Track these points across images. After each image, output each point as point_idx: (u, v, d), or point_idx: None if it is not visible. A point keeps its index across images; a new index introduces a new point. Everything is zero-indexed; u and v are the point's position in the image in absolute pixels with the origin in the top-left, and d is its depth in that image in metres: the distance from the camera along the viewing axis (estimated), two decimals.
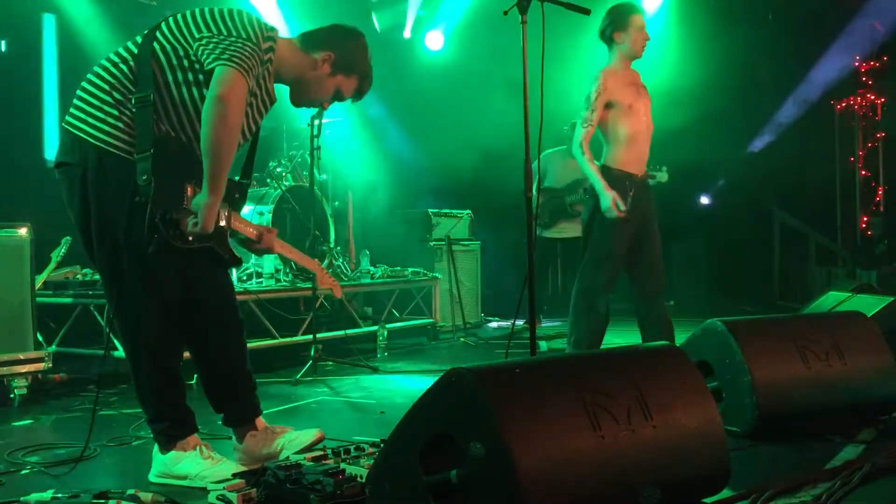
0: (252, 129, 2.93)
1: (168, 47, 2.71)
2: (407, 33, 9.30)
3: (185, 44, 2.70)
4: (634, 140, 4.45)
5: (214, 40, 2.66)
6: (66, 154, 2.76)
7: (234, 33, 2.68)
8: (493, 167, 8.00)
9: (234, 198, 2.98)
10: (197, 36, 2.69)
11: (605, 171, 4.38)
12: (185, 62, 2.70)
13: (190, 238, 2.72)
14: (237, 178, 3.07)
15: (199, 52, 2.67)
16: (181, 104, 2.72)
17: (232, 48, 2.64)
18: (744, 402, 3.18)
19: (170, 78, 2.70)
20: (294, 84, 3.00)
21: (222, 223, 2.85)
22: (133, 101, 2.67)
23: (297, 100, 3.04)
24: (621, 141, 4.43)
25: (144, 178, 2.61)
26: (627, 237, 4.39)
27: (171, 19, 2.77)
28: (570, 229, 7.53)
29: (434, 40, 9.44)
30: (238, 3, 5.96)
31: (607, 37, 4.53)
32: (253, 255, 5.78)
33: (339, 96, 3.04)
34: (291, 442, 2.93)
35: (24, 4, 6.52)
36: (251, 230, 3.04)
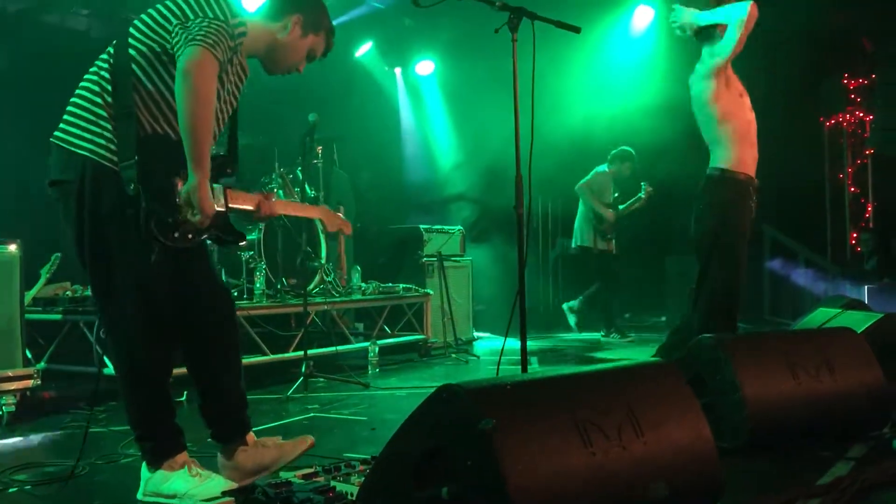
0: (231, 104, 2.93)
1: (144, 48, 2.70)
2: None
3: (160, 40, 2.70)
4: (748, 137, 4.25)
5: (179, 29, 2.65)
6: (60, 171, 2.74)
7: (201, 14, 2.68)
8: (485, 183, 8.05)
9: (227, 173, 2.97)
10: (169, 28, 2.69)
11: (726, 175, 4.19)
12: (164, 57, 2.69)
13: (190, 236, 2.70)
14: (222, 152, 3.06)
15: (173, 45, 2.66)
16: (162, 99, 2.71)
17: (195, 29, 2.62)
18: (735, 418, 3.18)
19: (152, 75, 2.70)
20: (267, 55, 2.99)
21: (220, 207, 2.83)
22: (115, 112, 2.67)
23: (273, 68, 3.04)
24: (739, 138, 4.22)
25: (132, 186, 2.60)
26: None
27: (138, 21, 2.76)
28: (614, 244, 8.10)
29: (424, 68, 9.52)
30: None
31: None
32: (244, 271, 5.82)
33: (312, 56, 3.05)
34: (284, 454, 2.91)
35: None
36: (249, 202, 3.02)
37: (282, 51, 2.98)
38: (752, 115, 4.32)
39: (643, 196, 7.98)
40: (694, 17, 4.29)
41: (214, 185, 2.82)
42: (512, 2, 3.42)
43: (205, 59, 2.59)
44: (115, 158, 2.66)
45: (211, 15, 2.68)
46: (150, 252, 2.63)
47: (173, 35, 2.66)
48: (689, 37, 4.36)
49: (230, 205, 2.93)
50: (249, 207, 3.02)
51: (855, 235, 9.86)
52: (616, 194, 8.15)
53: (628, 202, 8.11)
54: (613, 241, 8.14)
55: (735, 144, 4.22)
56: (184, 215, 2.66)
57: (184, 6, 2.71)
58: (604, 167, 8.14)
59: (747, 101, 4.33)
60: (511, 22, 3.39)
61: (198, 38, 2.60)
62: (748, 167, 4.25)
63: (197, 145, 2.61)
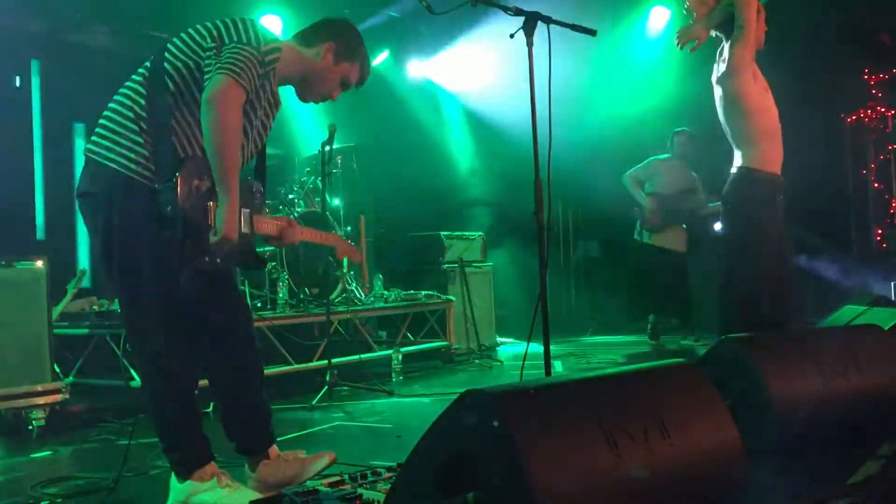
0: (261, 134, 2.95)
1: (180, 65, 2.74)
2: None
3: (195, 58, 2.73)
4: (775, 134, 4.21)
5: (213, 54, 2.69)
6: (90, 184, 2.77)
7: (236, 38, 2.71)
8: (504, 188, 8.04)
9: (256, 199, 3.01)
10: (205, 46, 2.72)
11: (753, 174, 4.14)
12: (198, 74, 2.72)
13: (219, 260, 2.74)
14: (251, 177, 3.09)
15: (205, 69, 2.70)
16: (195, 120, 2.73)
17: (226, 55, 2.66)
18: (762, 419, 3.15)
19: (185, 94, 2.73)
20: (301, 81, 3.04)
21: (245, 229, 2.87)
22: (151, 129, 2.70)
23: (306, 96, 3.08)
24: (767, 136, 4.17)
25: (169, 209, 2.63)
26: (780, 240, 4.18)
27: (177, 38, 2.79)
28: (672, 240, 7.46)
29: (442, 71, 9.56)
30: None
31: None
32: (267, 281, 5.86)
33: (345, 84, 3.08)
34: (305, 469, 2.90)
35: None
36: (273, 229, 3.08)
37: (314, 78, 3.02)
38: (777, 112, 4.28)
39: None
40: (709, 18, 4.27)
41: (243, 210, 2.85)
42: (526, 6, 3.42)
43: (229, 87, 2.62)
44: (148, 174, 2.69)
45: (245, 40, 2.71)
46: (179, 271, 2.66)
47: (205, 59, 2.70)
48: (713, 36, 4.33)
49: (256, 230, 2.97)
50: (273, 233, 3.08)
51: (880, 231, 9.74)
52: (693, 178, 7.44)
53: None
54: (669, 234, 7.45)
55: (763, 142, 4.18)
56: (212, 240, 2.69)
57: (221, 27, 2.75)
58: (660, 156, 7.73)
59: (772, 97, 4.29)
60: (526, 27, 3.39)
61: (226, 65, 2.63)
62: (775, 165, 4.21)
63: (222, 170, 2.65)
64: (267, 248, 5.48)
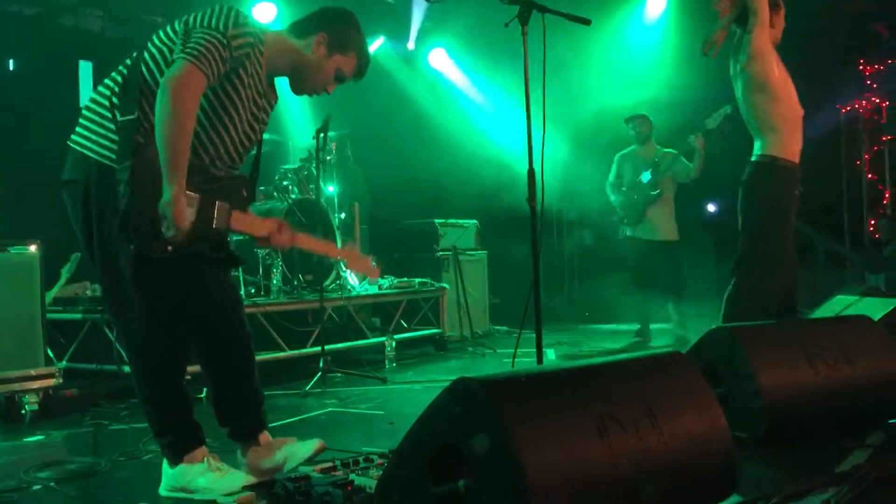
0: (253, 126, 2.91)
1: (155, 52, 2.73)
2: (411, 45, 9.35)
3: (169, 44, 2.71)
4: (797, 123, 4.22)
5: (180, 38, 2.66)
6: (71, 171, 2.78)
7: (205, 23, 2.67)
8: (499, 176, 8.03)
9: (242, 195, 2.90)
10: (178, 32, 2.70)
11: (776, 163, 4.16)
12: (169, 62, 2.69)
13: (169, 248, 2.63)
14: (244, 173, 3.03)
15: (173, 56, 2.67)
16: None
17: (190, 41, 2.62)
18: (751, 408, 3.18)
19: (155, 86, 2.68)
20: (292, 73, 2.96)
21: (218, 224, 2.77)
22: (120, 114, 2.67)
23: (298, 88, 3.00)
24: (789, 124, 4.19)
25: (121, 188, 2.59)
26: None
27: (160, 30, 2.78)
28: (657, 230, 7.07)
29: (437, 58, 9.51)
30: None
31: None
32: (261, 267, 5.86)
33: (340, 77, 2.99)
34: (293, 455, 2.88)
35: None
36: (259, 229, 2.92)
37: (306, 70, 2.93)
38: (798, 103, 4.29)
39: (696, 146, 6.75)
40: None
41: (219, 203, 2.77)
42: None
43: (187, 73, 2.57)
44: (115, 157, 2.67)
45: (213, 25, 2.67)
46: (155, 256, 2.62)
47: (176, 46, 2.67)
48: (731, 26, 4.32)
49: (233, 227, 2.84)
50: (258, 234, 2.93)
51: (873, 222, 9.78)
52: (649, 169, 7.10)
53: (693, 162, 6.88)
54: (649, 223, 7.08)
55: (784, 130, 4.21)
56: (162, 229, 2.58)
57: (197, 14, 2.73)
58: (623, 150, 7.46)
59: (794, 88, 4.31)
60: (521, 16, 3.39)
61: (186, 50, 2.60)
62: (795, 154, 4.23)
63: (168, 159, 2.55)
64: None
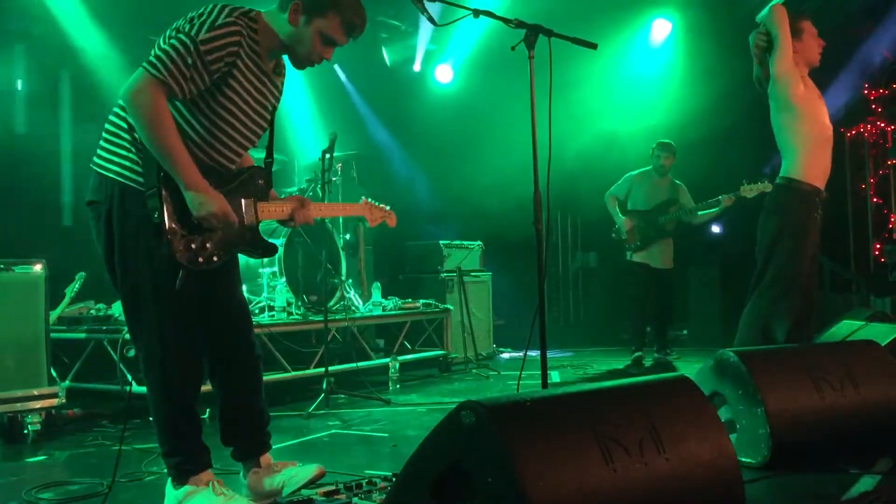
0: (263, 114, 2.91)
1: None
2: (417, 66, 9.41)
3: None
4: (825, 144, 4.23)
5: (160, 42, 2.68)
6: (94, 192, 2.81)
7: (185, 28, 2.66)
8: (504, 198, 8.04)
9: (260, 186, 2.98)
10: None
11: (792, 185, 4.16)
12: None
13: (215, 258, 2.74)
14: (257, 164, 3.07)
15: None
16: (180, 121, 2.73)
17: (161, 48, 2.63)
18: (758, 433, 3.16)
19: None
20: (285, 49, 2.89)
21: (248, 219, 2.87)
22: (138, 138, 2.69)
23: (296, 62, 2.93)
24: (814, 145, 4.19)
25: (156, 215, 2.64)
26: (811, 259, 4.16)
27: (160, 38, 2.77)
28: (655, 257, 7.14)
29: (443, 74, 9.56)
30: None
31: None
32: (265, 288, 5.86)
33: (330, 41, 2.84)
34: (292, 479, 2.89)
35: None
36: (282, 213, 3.03)
37: (292, 42, 2.85)
38: (828, 122, 4.29)
39: (723, 204, 6.84)
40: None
41: (244, 200, 2.87)
42: (528, 19, 3.44)
43: (142, 84, 2.58)
44: (141, 180, 2.70)
45: (187, 30, 2.65)
46: (177, 275, 2.66)
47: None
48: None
49: (262, 217, 2.96)
50: (283, 216, 3.04)
51: (878, 246, 9.76)
52: (670, 198, 7.17)
53: (707, 210, 7.02)
54: (652, 250, 7.13)
55: (808, 152, 4.19)
56: (210, 231, 2.69)
57: (185, 17, 2.73)
58: (637, 170, 7.45)
59: (825, 107, 4.31)
60: (527, 39, 3.40)
61: (150, 59, 2.62)
62: (817, 178, 4.21)
63: (168, 165, 2.62)
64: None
